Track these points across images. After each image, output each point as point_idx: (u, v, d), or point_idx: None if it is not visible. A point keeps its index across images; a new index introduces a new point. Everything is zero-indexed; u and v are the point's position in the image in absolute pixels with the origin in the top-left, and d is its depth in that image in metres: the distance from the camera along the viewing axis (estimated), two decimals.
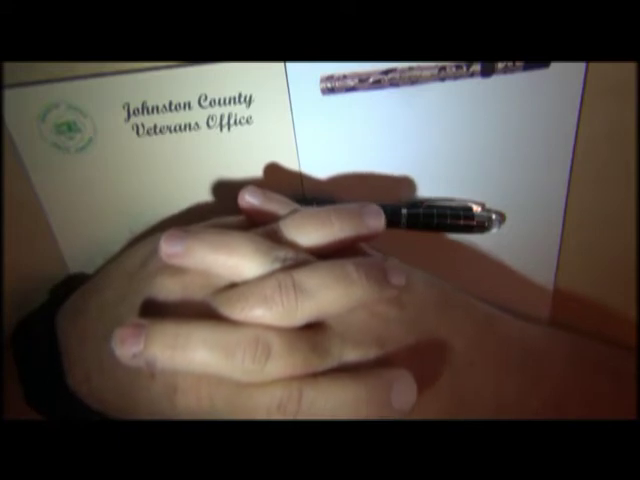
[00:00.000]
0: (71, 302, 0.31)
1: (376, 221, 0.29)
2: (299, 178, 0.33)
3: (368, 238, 0.29)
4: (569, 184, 0.33)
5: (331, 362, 0.25)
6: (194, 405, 0.25)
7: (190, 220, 0.32)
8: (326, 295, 0.26)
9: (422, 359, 0.27)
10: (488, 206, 0.34)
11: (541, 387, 0.28)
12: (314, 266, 0.27)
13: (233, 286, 0.27)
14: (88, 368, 0.28)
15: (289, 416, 0.24)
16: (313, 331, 0.26)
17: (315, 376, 0.25)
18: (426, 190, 0.34)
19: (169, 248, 0.27)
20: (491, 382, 0.28)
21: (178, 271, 0.27)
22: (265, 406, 0.24)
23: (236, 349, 0.24)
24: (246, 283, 0.26)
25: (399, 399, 0.25)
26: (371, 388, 0.25)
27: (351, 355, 0.26)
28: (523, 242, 0.35)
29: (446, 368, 0.27)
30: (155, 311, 0.27)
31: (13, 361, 0.30)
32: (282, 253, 0.27)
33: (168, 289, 0.27)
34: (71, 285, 0.33)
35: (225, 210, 0.32)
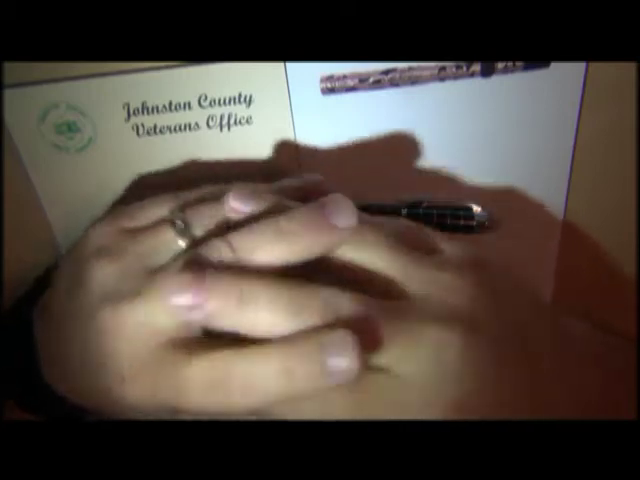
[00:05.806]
0: (43, 299, 0.30)
1: (346, 218, 0.24)
2: None
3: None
4: (569, 184, 0.33)
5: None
6: (139, 394, 0.24)
7: None
8: (263, 256, 0.24)
9: (501, 322, 0.25)
10: (488, 206, 0.34)
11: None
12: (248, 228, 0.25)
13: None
14: (62, 367, 0.27)
15: (222, 391, 0.23)
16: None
17: (242, 347, 0.23)
18: (426, 190, 0.34)
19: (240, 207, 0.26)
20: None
21: (112, 254, 0.26)
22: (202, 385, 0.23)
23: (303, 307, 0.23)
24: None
25: (334, 362, 0.22)
26: (300, 353, 0.22)
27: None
28: (523, 242, 0.35)
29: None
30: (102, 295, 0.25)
31: None
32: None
33: (105, 273, 0.26)
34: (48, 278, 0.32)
35: None
